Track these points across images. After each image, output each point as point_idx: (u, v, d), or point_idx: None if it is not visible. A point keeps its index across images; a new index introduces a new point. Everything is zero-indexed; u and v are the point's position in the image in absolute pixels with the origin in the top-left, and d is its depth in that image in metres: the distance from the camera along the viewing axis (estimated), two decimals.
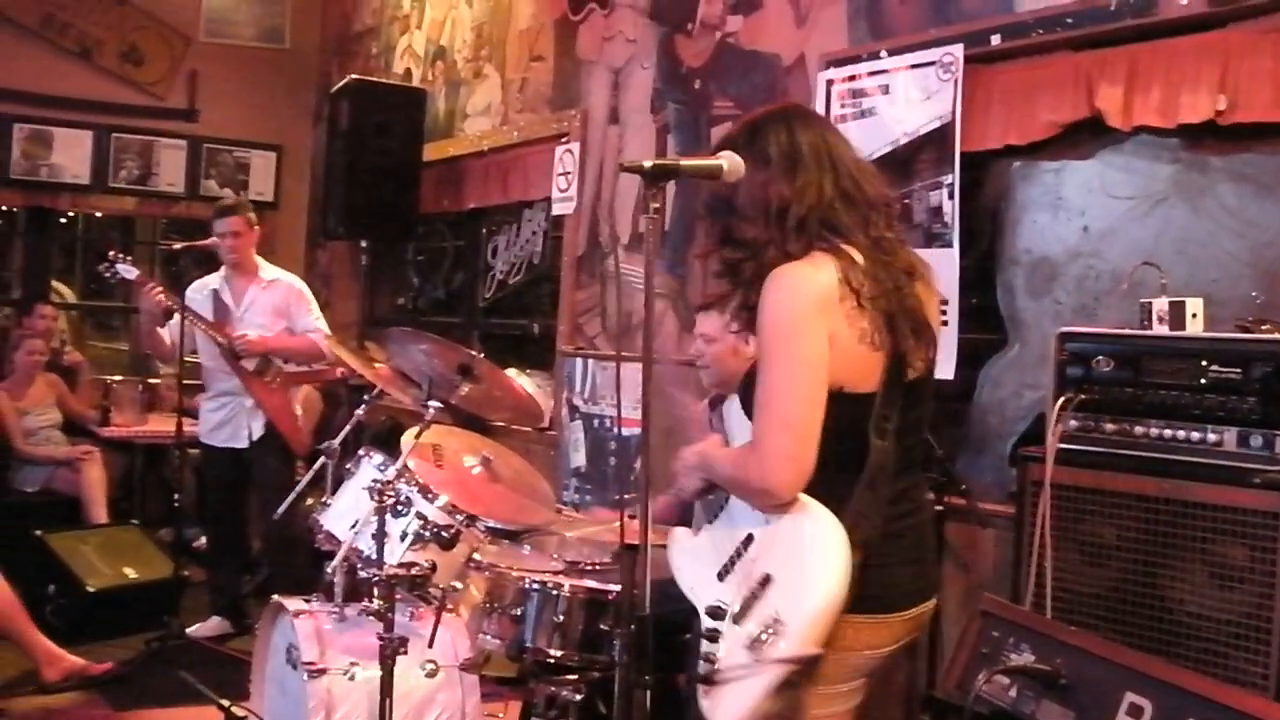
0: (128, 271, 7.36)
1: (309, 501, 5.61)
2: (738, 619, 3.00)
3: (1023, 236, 5.45)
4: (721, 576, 3.11)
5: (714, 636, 2.94)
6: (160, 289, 7.31)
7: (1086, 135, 5.13)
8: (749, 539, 3.08)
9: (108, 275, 7.48)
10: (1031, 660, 3.14)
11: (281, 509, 5.75)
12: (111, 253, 7.44)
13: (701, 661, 2.98)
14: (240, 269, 7.72)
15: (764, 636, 2.93)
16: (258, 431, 7.55)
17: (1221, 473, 3.83)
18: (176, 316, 7.30)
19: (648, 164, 2.93)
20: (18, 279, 11.56)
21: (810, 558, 2.99)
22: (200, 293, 7.69)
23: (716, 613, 2.99)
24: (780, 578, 2.99)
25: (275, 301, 7.66)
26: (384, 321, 10.10)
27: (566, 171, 7.82)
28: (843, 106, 5.81)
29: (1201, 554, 3.84)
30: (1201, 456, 3.90)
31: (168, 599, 7.47)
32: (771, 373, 2.95)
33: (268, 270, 7.79)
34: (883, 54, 5.65)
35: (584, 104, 7.84)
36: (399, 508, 4.97)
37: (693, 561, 3.24)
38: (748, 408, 3.06)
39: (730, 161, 3.02)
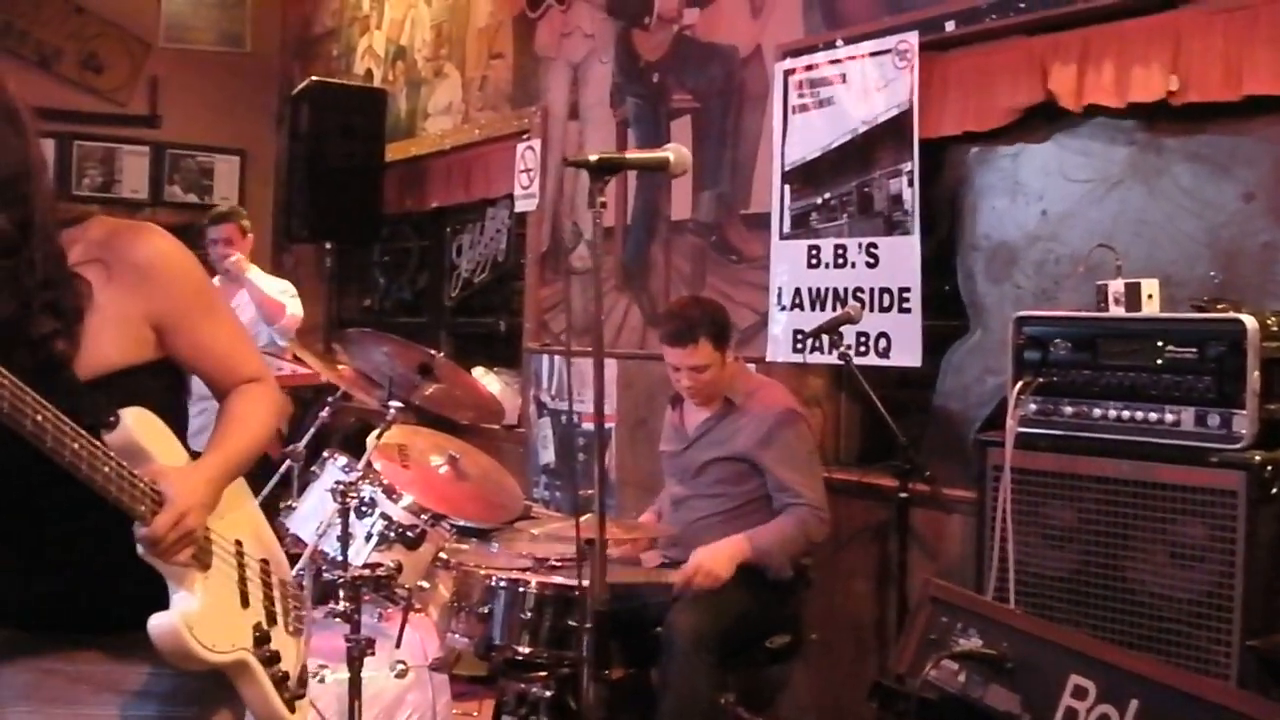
0: None
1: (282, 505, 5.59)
2: (274, 620, 2.80)
3: (981, 222, 5.45)
4: (246, 602, 2.72)
5: (275, 657, 2.74)
6: None
7: (1043, 119, 5.13)
8: (239, 544, 2.76)
9: None
10: (979, 645, 3.14)
11: None
12: None
13: (282, 686, 2.76)
14: (231, 275, 7.59)
15: (293, 609, 2.90)
16: None
17: (1180, 453, 3.85)
18: None
19: (593, 158, 2.92)
20: None
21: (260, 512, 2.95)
22: None
23: (262, 639, 2.72)
24: (269, 551, 2.90)
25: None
26: (351, 324, 10.07)
27: (528, 168, 7.81)
28: (800, 96, 5.81)
29: (1162, 534, 3.86)
30: (1159, 437, 3.92)
31: None
32: (227, 315, 2.85)
33: (260, 279, 7.66)
34: (838, 43, 5.65)
35: (544, 100, 7.83)
36: (363, 509, 4.97)
37: (215, 617, 2.58)
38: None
39: (676, 154, 3.01)
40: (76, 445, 2.29)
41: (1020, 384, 4.21)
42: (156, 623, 2.46)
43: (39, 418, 2.22)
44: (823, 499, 5.06)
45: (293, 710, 2.77)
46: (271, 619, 2.78)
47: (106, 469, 2.35)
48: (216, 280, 7.63)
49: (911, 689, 3.17)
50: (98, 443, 2.36)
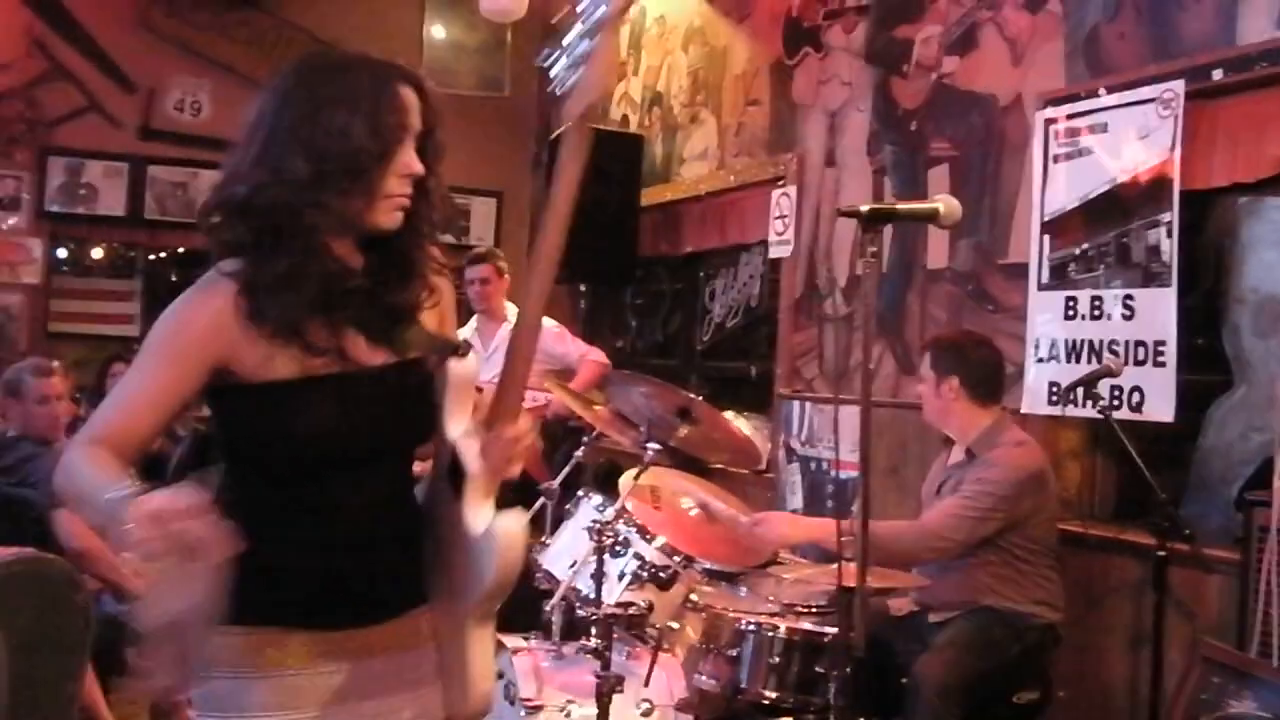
0: None
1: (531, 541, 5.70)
2: None
3: (1249, 275, 5.33)
4: None
5: None
6: None
7: None
8: None
9: None
10: (1254, 708, 3.07)
11: None
12: None
13: None
14: (490, 315, 8.13)
15: None
16: None
17: None
18: None
19: (865, 208, 2.96)
20: None
21: None
22: None
23: None
24: None
25: None
26: None
27: (783, 214, 7.85)
28: (1061, 145, 5.75)
29: None
30: None
31: None
32: None
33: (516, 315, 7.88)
34: (1101, 92, 5.58)
35: (800, 147, 7.86)
36: (617, 548, 5.04)
37: None
38: None
39: (946, 204, 3.02)
40: None
41: None
42: (509, 522, 2.54)
43: None
44: (952, 533, 5.01)
45: None
46: None
47: None
48: (476, 319, 7.97)
49: None
50: None
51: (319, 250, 2.55)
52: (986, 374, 5.29)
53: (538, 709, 4.86)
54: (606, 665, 4.64)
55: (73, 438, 2.57)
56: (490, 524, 2.52)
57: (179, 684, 2.55)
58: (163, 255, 12.27)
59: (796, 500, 7.59)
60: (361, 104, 2.57)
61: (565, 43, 2.75)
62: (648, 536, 5.13)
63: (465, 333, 7.93)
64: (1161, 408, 5.24)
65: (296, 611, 2.61)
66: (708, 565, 5.48)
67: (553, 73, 2.75)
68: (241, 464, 2.64)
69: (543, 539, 5.58)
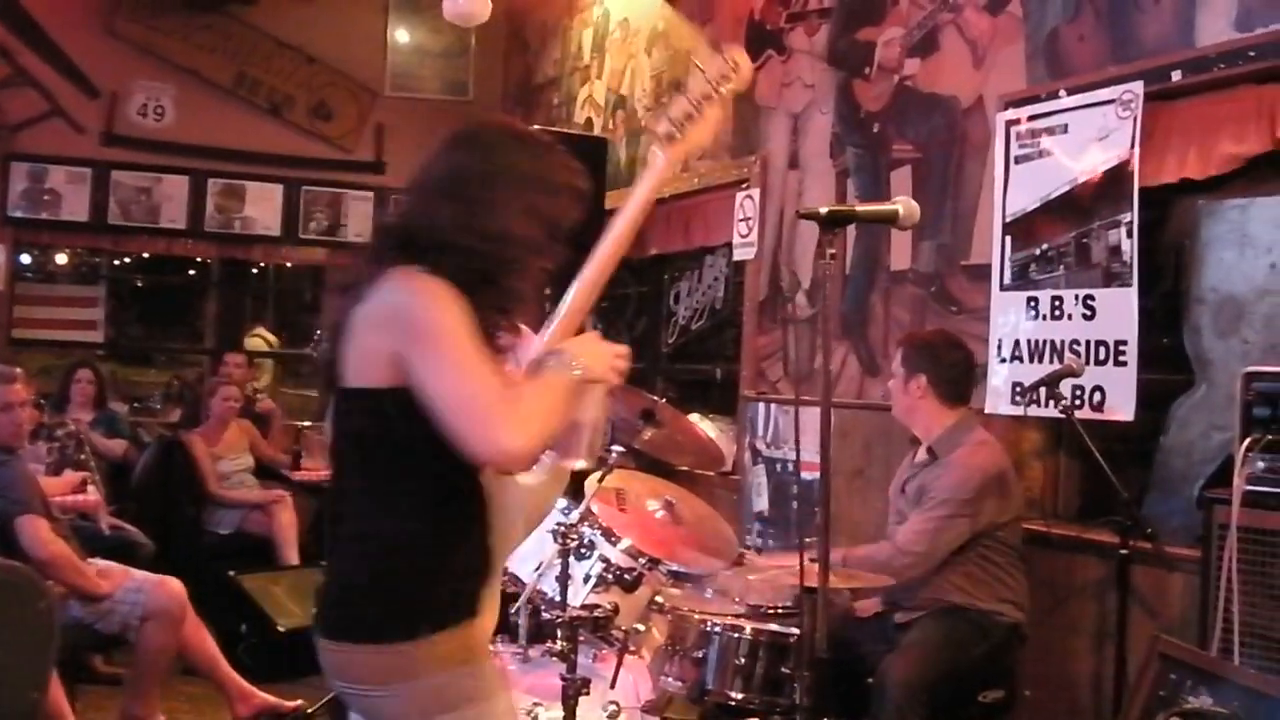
0: None
1: None
2: None
3: (1208, 275, 5.35)
4: None
5: None
6: None
7: (1273, 171, 5.04)
8: None
9: None
10: (1209, 703, 3.09)
11: None
12: None
13: None
14: None
15: None
16: None
17: None
18: None
19: (824, 210, 2.97)
20: (212, 328, 11.93)
21: None
22: None
23: None
24: None
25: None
26: None
27: (747, 217, 7.86)
28: (1022, 146, 5.78)
29: None
30: None
31: None
32: None
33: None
34: (1061, 93, 5.62)
35: (763, 150, 7.88)
36: (582, 550, 5.04)
37: None
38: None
39: (905, 206, 3.04)
40: None
41: (1248, 441, 4.13)
42: None
43: None
44: (914, 545, 5.08)
45: None
46: None
47: None
48: None
49: None
50: None
51: (514, 288, 3.05)
52: (955, 375, 5.32)
53: None
54: (572, 668, 4.64)
55: (500, 407, 2.75)
56: None
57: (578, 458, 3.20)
58: (127, 261, 12.27)
59: (762, 502, 7.61)
60: (554, 194, 3.16)
61: (685, 94, 3.14)
62: (613, 539, 5.14)
63: None
64: (1123, 407, 5.27)
65: (480, 601, 2.94)
66: (673, 567, 5.49)
67: (667, 114, 3.19)
68: (423, 465, 2.86)
69: None
